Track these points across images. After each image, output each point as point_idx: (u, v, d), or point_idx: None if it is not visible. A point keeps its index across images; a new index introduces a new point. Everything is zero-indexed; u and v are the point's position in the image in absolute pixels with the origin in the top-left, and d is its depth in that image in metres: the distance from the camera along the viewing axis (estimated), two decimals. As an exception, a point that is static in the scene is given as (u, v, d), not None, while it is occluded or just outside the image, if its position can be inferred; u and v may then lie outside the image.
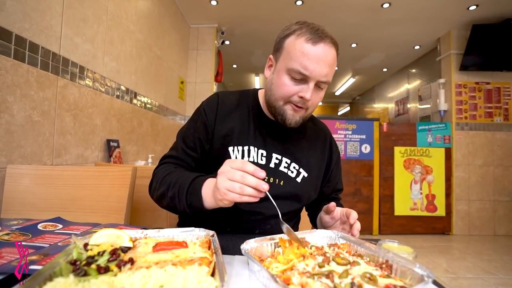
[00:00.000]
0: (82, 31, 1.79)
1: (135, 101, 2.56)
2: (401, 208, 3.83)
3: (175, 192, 0.77)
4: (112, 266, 0.50)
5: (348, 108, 10.00)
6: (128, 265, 0.51)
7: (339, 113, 10.60)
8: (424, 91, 4.81)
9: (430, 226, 3.84)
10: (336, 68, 0.88)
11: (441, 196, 3.86)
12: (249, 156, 0.92)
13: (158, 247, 0.58)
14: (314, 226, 1.07)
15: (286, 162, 0.95)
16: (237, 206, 0.92)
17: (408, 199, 3.84)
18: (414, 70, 5.39)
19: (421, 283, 0.48)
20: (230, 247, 0.77)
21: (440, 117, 4.17)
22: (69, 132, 1.70)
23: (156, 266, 0.49)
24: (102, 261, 0.51)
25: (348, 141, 3.90)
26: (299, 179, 0.97)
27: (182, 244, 0.60)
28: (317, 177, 1.03)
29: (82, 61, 1.79)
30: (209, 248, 0.62)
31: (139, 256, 0.55)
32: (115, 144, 2.17)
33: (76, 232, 0.86)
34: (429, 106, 4.62)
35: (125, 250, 0.57)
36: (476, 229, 3.95)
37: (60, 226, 0.91)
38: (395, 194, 3.85)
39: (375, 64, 5.76)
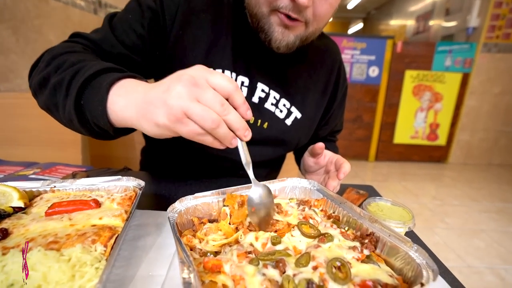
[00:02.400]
0: None
1: (101, 13, 2.11)
2: (402, 136, 3.71)
3: (64, 77, 0.43)
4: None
5: (361, 25, 8.85)
6: (-13, 243, 0.35)
7: (349, 31, 9.46)
8: (454, 2, 4.04)
9: (427, 155, 3.80)
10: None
11: (445, 125, 3.68)
12: None
13: (53, 209, 0.42)
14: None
15: (274, 98, 0.69)
16: (206, 150, 0.72)
17: (410, 127, 3.68)
18: (447, -26, 4.41)
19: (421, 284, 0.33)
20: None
21: (466, 36, 3.60)
22: (12, 50, 1.39)
23: (18, 249, 0.33)
24: None
25: (355, 63, 3.48)
26: (289, 121, 0.72)
27: (89, 204, 0.43)
28: (313, 119, 0.78)
29: None
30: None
31: (21, 224, 0.39)
32: (82, 63, 1.87)
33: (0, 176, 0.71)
34: (455, 23, 3.95)
35: (5, 214, 0.41)
36: (472, 158, 3.93)
37: (-16, 164, 0.76)
38: (397, 121, 3.67)
39: (401, -35, 4.70)
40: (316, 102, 0.76)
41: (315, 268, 0.34)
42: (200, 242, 0.39)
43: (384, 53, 3.45)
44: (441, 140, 3.74)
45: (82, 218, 0.40)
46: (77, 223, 0.39)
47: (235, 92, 0.36)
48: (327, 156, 0.66)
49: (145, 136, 0.83)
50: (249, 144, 0.77)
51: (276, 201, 0.51)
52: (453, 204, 2.72)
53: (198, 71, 0.35)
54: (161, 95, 0.34)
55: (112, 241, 0.35)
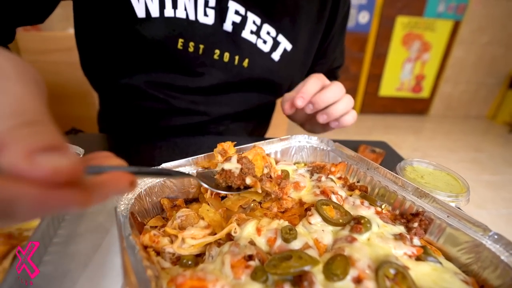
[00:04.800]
0: None
1: None
2: (387, 88, 3.63)
3: None
4: None
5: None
6: None
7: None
8: None
9: (410, 107, 3.81)
10: None
11: (431, 77, 3.63)
12: (175, 6, 0.45)
13: None
14: None
15: (254, 23, 0.51)
16: (169, 102, 0.54)
17: (396, 79, 3.59)
18: None
19: None
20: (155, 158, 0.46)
21: (462, -23, 3.34)
22: None
23: None
24: None
25: (345, 7, 3.18)
26: (276, 56, 0.55)
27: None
28: (307, 50, 0.60)
29: None
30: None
31: None
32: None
33: None
34: (453, -40, 3.62)
35: None
36: (451, 110, 4.01)
37: None
38: (384, 73, 3.55)
39: None
40: (311, 27, 0.57)
41: (357, 280, 0.21)
42: (172, 242, 0.25)
43: (376, -4, 3.16)
44: (425, 92, 3.72)
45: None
46: None
47: None
48: (306, 93, 0.43)
49: (98, 92, 0.63)
50: (226, 89, 0.55)
51: (279, 167, 0.36)
52: (433, 155, 2.80)
53: None
54: None
55: (7, 262, 0.19)
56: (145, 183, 0.29)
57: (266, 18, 0.51)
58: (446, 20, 3.43)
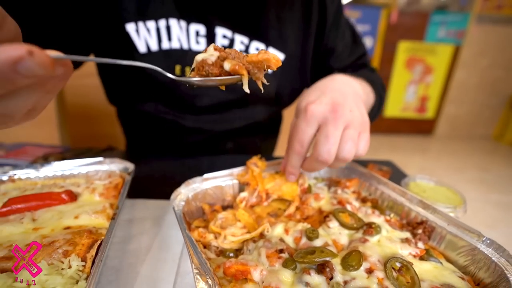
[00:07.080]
0: None
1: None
2: (392, 109, 3.71)
3: None
4: None
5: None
6: None
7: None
8: (450, -31, 3.87)
9: (415, 127, 3.85)
10: None
11: (434, 98, 3.70)
12: (170, 38, 0.50)
13: (8, 206, 0.31)
14: None
15: (242, 43, 0.55)
16: (178, 122, 0.59)
17: (401, 100, 3.67)
18: None
19: None
20: (177, 175, 0.52)
21: (459, 7, 3.51)
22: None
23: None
24: None
25: (349, 33, 3.34)
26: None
27: (61, 197, 0.32)
28: (301, 55, 0.61)
29: None
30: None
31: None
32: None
33: None
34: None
35: None
36: (456, 131, 4.03)
37: None
38: (389, 95, 3.64)
39: None
40: (298, 34, 0.59)
41: (369, 271, 0.26)
42: (216, 238, 0.30)
43: (378, 23, 3.32)
44: (430, 113, 3.77)
45: (50, 218, 0.29)
46: (43, 226, 0.28)
47: None
48: (293, 169, 0.38)
49: (120, 118, 0.72)
50: (228, 107, 0.60)
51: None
52: (440, 175, 2.79)
53: None
54: None
55: (94, 251, 0.25)
56: (193, 188, 0.35)
57: (253, 35, 0.56)
58: (446, 45, 3.55)
